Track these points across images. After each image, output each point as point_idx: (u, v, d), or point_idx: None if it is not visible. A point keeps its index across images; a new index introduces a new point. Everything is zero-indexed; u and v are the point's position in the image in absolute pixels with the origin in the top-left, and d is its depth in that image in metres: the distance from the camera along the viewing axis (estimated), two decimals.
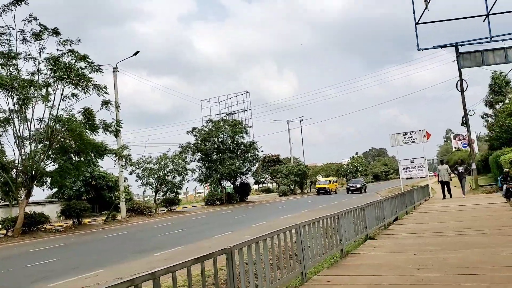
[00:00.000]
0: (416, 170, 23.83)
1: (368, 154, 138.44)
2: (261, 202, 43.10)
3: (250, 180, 51.09)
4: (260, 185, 73.20)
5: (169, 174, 34.35)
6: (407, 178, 26.01)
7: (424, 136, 23.67)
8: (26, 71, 22.08)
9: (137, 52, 31.13)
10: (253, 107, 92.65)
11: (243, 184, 44.38)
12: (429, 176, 27.55)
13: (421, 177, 32.36)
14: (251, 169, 45.48)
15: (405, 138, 23.94)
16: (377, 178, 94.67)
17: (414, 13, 25.38)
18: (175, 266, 3.79)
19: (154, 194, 34.77)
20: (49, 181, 25.13)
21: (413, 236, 9.84)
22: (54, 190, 34.82)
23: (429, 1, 24.35)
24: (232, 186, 44.30)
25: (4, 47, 21.29)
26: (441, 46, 26.15)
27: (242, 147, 42.41)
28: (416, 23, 25.34)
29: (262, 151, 45.36)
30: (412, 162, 23.89)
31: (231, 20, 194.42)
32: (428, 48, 26.27)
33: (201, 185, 45.80)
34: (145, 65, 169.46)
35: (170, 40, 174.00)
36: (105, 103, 23.46)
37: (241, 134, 42.47)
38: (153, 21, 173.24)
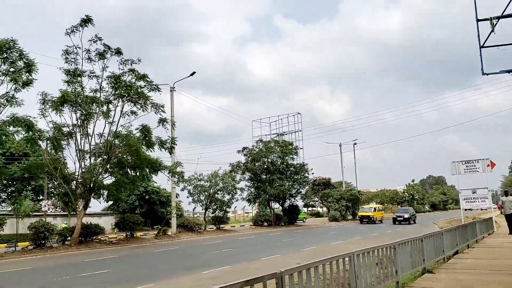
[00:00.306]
0: (478, 201, 22.41)
1: (425, 181, 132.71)
2: (310, 226, 42.31)
3: (299, 202, 50.43)
4: (310, 209, 72.03)
5: (219, 192, 34.61)
6: (465, 209, 24.53)
7: (488, 165, 22.26)
8: (90, 88, 23.35)
9: (194, 72, 32.16)
10: (304, 129, 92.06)
11: (292, 207, 43.81)
12: (493, 208, 25.85)
13: (482, 209, 30.49)
14: (301, 192, 44.83)
15: (466, 166, 22.64)
16: (434, 207, 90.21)
17: (478, 36, 24.17)
18: (225, 287, 3.72)
19: (204, 211, 35.13)
20: (105, 193, 26.10)
21: (476, 273, 9.13)
22: (110, 202, 36.22)
23: (496, 24, 23.21)
24: (280, 207, 43.88)
25: (71, 65, 22.73)
26: (509, 71, 24.68)
27: (292, 168, 42.00)
28: (481, 47, 24.12)
29: (312, 173, 44.65)
30: (474, 193, 22.51)
31: (285, 42, 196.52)
32: (493, 73, 24.84)
33: (249, 205, 45.72)
34: (200, 85, 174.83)
35: (225, 61, 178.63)
36: (162, 121, 24.23)
37: (291, 155, 42.13)
38: (209, 42, 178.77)
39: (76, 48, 22.63)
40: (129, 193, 31.34)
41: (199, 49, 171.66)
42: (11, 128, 19.61)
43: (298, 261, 11.58)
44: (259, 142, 42.42)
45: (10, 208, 30.59)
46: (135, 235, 26.90)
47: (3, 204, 33.96)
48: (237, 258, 15.85)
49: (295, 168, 42.05)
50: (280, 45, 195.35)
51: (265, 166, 40.41)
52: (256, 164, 40.00)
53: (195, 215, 43.19)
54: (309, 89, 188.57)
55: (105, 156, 23.38)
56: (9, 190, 32.97)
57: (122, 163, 24.56)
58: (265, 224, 39.43)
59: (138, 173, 25.97)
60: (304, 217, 53.15)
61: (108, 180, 25.16)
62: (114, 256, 18.12)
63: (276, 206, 43.85)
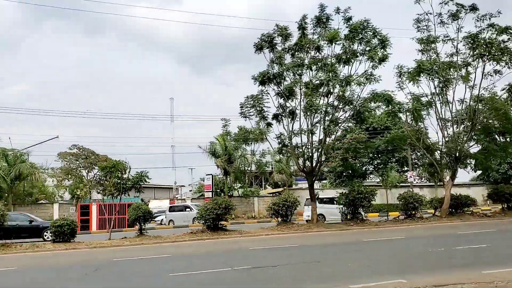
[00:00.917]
0: None
1: None
2: None
3: None
4: None
5: None
6: None
7: None
8: (445, 54, 22.56)
9: None
10: None
11: None
12: None
13: None
14: None
15: None
16: None
17: None
18: None
19: None
20: (473, 162, 24.90)
21: None
22: (478, 172, 34.21)
23: None
24: None
25: (423, 33, 22.46)
26: None
27: None
28: None
29: None
30: None
31: None
32: None
33: None
34: None
35: None
36: None
37: None
38: None
39: (427, 15, 22.25)
40: (499, 162, 28.55)
41: None
42: (372, 104, 20.98)
43: None
44: None
45: (378, 180, 33.74)
46: None
47: (371, 176, 38.04)
48: None
49: None
50: None
51: None
52: None
53: None
54: None
55: (468, 123, 22.30)
56: (375, 163, 36.60)
57: (488, 129, 22.91)
58: None
59: (508, 139, 23.49)
60: None
61: (474, 148, 24.03)
62: (490, 230, 16.69)
63: None
